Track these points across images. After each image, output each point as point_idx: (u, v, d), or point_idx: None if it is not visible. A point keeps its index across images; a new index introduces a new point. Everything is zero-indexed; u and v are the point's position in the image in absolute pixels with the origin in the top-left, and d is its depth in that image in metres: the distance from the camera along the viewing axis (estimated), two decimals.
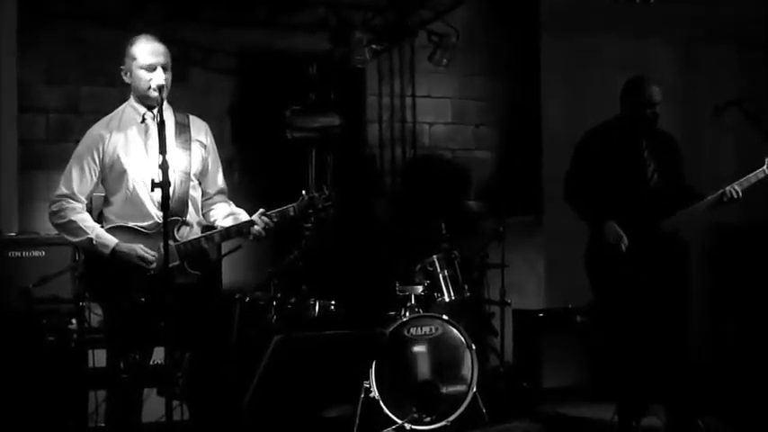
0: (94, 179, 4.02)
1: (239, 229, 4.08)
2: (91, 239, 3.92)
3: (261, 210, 4.08)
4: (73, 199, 3.98)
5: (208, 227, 4.21)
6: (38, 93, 6.18)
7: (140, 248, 3.92)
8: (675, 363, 4.93)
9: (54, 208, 3.99)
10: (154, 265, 3.91)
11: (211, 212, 4.24)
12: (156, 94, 3.92)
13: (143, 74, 3.95)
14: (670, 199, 4.89)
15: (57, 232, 4.58)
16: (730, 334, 6.46)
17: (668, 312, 4.90)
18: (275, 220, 4.07)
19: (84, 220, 3.97)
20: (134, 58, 3.97)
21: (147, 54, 3.94)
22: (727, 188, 4.79)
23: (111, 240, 3.92)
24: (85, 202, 4.02)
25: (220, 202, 4.27)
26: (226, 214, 4.21)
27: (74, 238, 3.97)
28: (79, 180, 3.99)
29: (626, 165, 4.93)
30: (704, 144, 5.17)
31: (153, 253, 3.92)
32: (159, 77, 3.92)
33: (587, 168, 4.98)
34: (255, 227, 4.04)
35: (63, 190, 3.99)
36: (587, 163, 4.99)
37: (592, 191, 4.93)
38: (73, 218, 3.95)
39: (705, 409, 5.07)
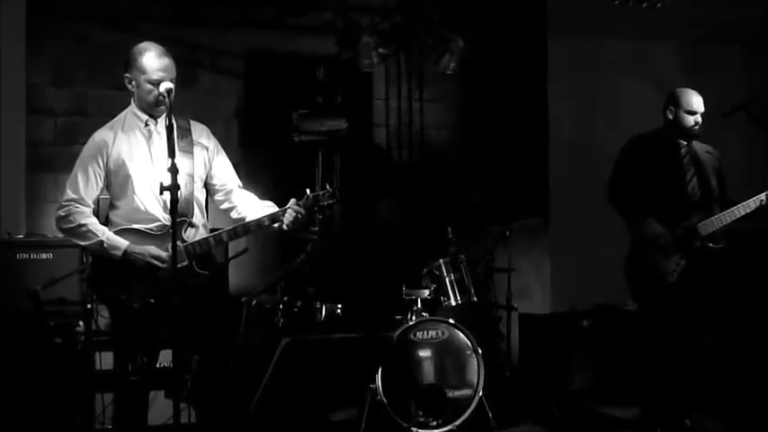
0: (100, 184, 4.04)
1: (258, 225, 4.09)
2: (102, 242, 3.93)
3: (293, 200, 4.10)
4: (81, 203, 3.99)
5: (214, 228, 4.23)
6: (46, 95, 6.20)
7: (153, 248, 3.94)
8: (689, 364, 4.98)
9: (62, 213, 4.00)
10: (167, 264, 3.92)
11: (236, 208, 4.22)
12: (163, 106, 3.93)
13: (151, 87, 3.96)
14: (708, 204, 5.00)
15: (63, 235, 4.60)
16: (738, 338, 6.45)
17: (698, 316, 4.96)
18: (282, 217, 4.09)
19: (94, 223, 3.99)
20: (143, 72, 3.96)
21: (157, 70, 3.95)
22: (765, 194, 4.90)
23: (122, 242, 3.94)
24: (92, 206, 4.04)
25: (244, 194, 4.26)
26: (257, 202, 4.21)
27: (84, 241, 3.98)
28: (85, 185, 4.00)
29: (665, 169, 5.05)
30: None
31: (164, 254, 3.93)
32: (167, 85, 3.93)
33: (629, 173, 5.10)
34: (287, 215, 4.06)
35: (70, 194, 4.00)
36: (629, 167, 5.11)
37: (633, 193, 5.04)
38: (82, 221, 3.97)
39: (694, 405, 5.11)
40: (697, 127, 5.05)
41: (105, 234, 3.96)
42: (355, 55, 6.29)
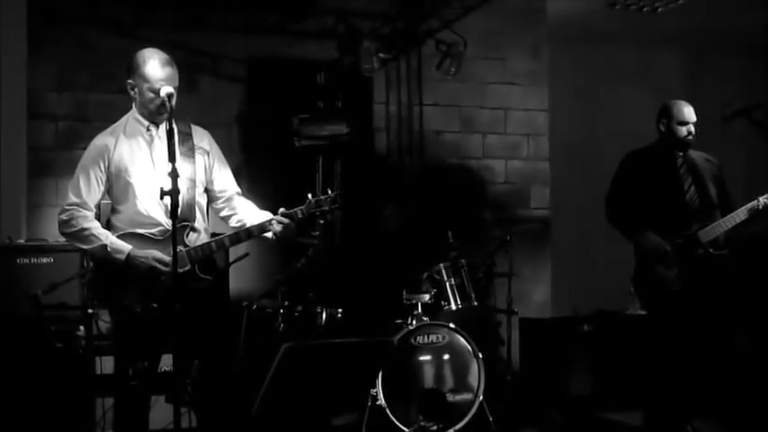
0: (102, 188, 4.03)
1: (260, 228, 4.10)
2: (105, 246, 3.92)
3: (281, 209, 4.11)
4: (83, 207, 3.98)
5: (216, 233, 4.23)
6: (47, 100, 6.20)
7: (156, 252, 3.94)
8: (693, 370, 4.97)
9: (64, 217, 3.99)
10: (170, 268, 3.91)
11: (236, 214, 4.23)
12: (164, 114, 3.92)
13: (153, 96, 3.95)
14: (708, 211, 5.00)
15: (65, 239, 4.59)
16: (741, 343, 6.46)
17: (704, 322, 4.96)
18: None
19: (96, 227, 3.98)
20: (146, 80, 3.94)
21: (159, 80, 3.92)
22: (761, 198, 4.91)
23: (126, 246, 3.93)
24: (95, 210, 4.03)
25: (243, 201, 4.27)
26: (257, 211, 4.21)
27: (87, 245, 3.98)
28: (87, 189, 4.00)
29: (663, 181, 5.06)
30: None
31: (167, 258, 3.93)
32: (167, 90, 3.92)
33: (627, 189, 5.11)
34: (275, 226, 4.06)
35: (73, 199, 3.99)
36: (627, 184, 5.13)
37: (632, 209, 5.06)
38: (85, 225, 3.96)
39: (696, 411, 5.10)
40: (690, 136, 5.05)
41: (108, 238, 3.95)
42: (356, 60, 6.30)
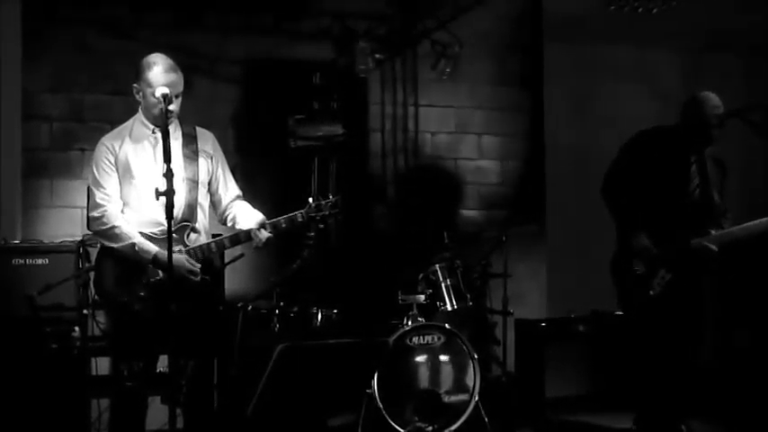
0: (118, 181, 4.09)
1: (248, 235, 4.13)
2: (134, 245, 4.00)
3: (261, 219, 4.13)
4: (112, 202, 4.06)
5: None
6: (42, 100, 6.18)
7: (186, 260, 3.97)
8: (679, 370, 4.94)
9: (96, 214, 4.05)
10: (199, 278, 4.01)
11: (237, 219, 4.27)
12: (168, 118, 3.94)
13: (156, 101, 3.98)
14: (706, 218, 4.89)
15: (60, 240, 4.59)
16: (737, 341, 6.47)
17: (684, 323, 4.90)
18: (284, 226, 4.15)
19: (125, 225, 4.05)
20: (149, 85, 4.00)
21: (163, 87, 3.95)
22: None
23: (153, 247, 4.01)
24: (121, 203, 4.08)
25: (241, 205, 4.31)
26: (251, 213, 4.25)
27: (115, 243, 4.04)
28: (108, 182, 4.07)
29: (670, 176, 4.90)
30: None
31: (198, 265, 4.02)
32: (162, 90, 3.94)
33: (631, 168, 4.94)
34: (260, 234, 4.08)
35: (100, 194, 4.07)
36: (632, 162, 4.95)
37: (630, 193, 4.91)
38: (116, 224, 4.03)
39: (692, 412, 5.08)
40: (710, 139, 4.88)
41: (137, 238, 4.02)
42: (352, 61, 6.31)
